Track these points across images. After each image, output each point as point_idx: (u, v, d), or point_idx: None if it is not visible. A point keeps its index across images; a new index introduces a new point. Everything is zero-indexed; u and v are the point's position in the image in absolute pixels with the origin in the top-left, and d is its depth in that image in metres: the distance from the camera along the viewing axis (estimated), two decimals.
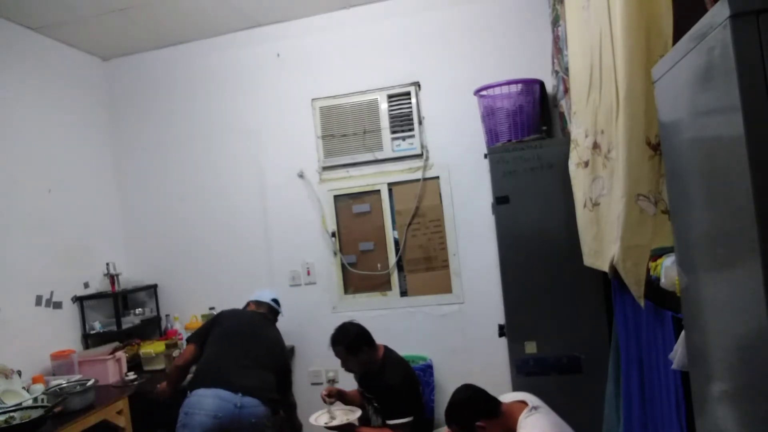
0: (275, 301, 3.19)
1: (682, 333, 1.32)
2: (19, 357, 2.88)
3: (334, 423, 2.59)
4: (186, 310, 3.85)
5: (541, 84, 3.18)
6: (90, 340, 3.46)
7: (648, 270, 1.60)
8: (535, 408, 1.95)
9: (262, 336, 2.91)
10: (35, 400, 2.59)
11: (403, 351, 2.97)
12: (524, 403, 2.00)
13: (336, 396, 2.77)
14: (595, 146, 2.06)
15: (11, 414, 2.37)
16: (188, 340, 2.94)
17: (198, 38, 3.86)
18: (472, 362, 3.45)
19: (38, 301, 3.17)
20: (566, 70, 2.62)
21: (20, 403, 2.51)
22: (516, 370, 2.73)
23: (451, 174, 3.52)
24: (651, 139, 1.57)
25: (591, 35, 2.02)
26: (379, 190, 3.65)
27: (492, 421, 1.95)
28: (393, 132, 3.58)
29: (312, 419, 2.67)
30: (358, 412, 2.68)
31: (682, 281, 1.23)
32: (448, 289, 3.54)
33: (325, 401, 2.71)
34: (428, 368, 3.36)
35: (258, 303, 3.16)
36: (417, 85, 3.56)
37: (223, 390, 2.49)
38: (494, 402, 2.01)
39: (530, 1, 3.33)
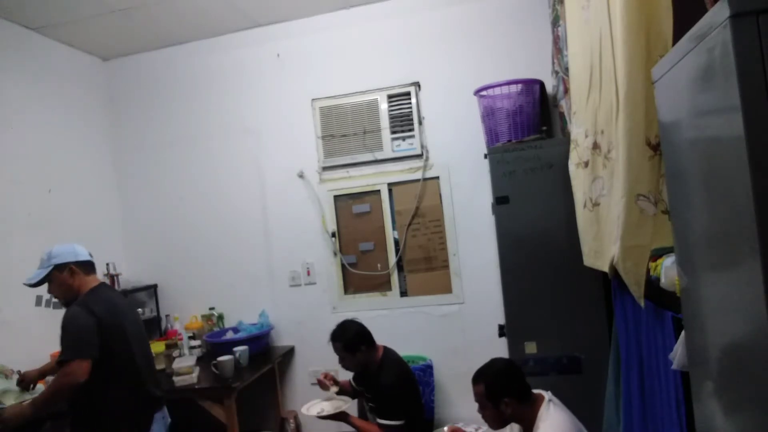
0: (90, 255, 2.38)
1: (682, 333, 1.32)
2: (19, 357, 2.88)
3: (326, 413, 2.60)
4: (186, 310, 3.85)
5: (541, 84, 3.19)
6: None
7: (648, 270, 1.60)
8: (551, 401, 1.98)
9: (140, 323, 2.44)
10: None
11: (403, 351, 2.96)
12: (542, 395, 2.02)
13: (333, 382, 2.80)
14: (595, 146, 2.06)
15: None
16: (80, 356, 2.06)
17: (198, 38, 3.86)
18: (472, 362, 3.39)
19: (38, 301, 3.17)
20: (566, 70, 2.62)
21: (20, 403, 2.51)
22: None
23: (451, 174, 3.52)
24: (651, 139, 1.57)
25: (591, 35, 2.02)
26: (379, 190, 3.65)
27: (517, 403, 1.96)
28: (393, 132, 3.59)
29: (304, 409, 2.70)
30: (350, 402, 2.70)
31: (682, 281, 1.23)
32: (448, 289, 3.54)
33: (324, 385, 2.75)
34: (428, 368, 3.36)
35: (91, 265, 2.34)
36: (417, 85, 3.56)
37: (160, 413, 2.33)
38: (528, 388, 2.02)
39: (530, 1, 3.34)
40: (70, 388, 2.06)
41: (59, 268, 2.21)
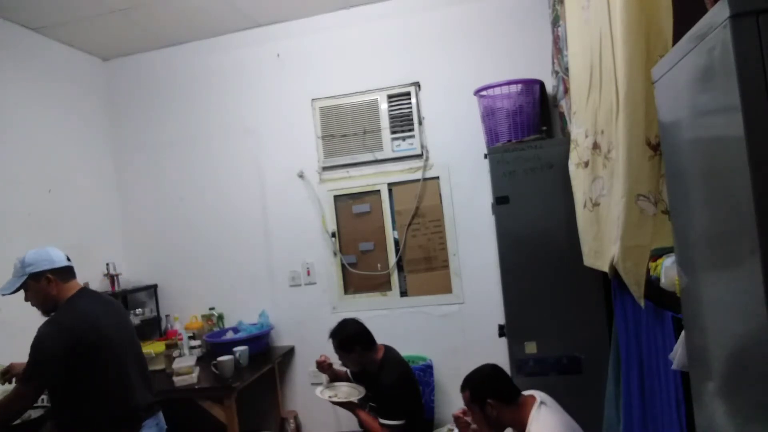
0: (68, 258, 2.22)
1: (682, 333, 1.32)
2: (18, 357, 2.87)
3: (337, 399, 2.68)
4: (186, 310, 3.85)
5: (541, 84, 3.19)
6: None
7: (648, 270, 1.60)
8: (543, 403, 1.96)
9: (130, 327, 2.32)
10: None
11: (403, 351, 2.97)
12: (534, 397, 2.02)
13: (329, 369, 2.87)
14: (595, 146, 2.06)
15: None
16: (29, 384, 1.96)
17: (198, 38, 3.86)
18: (472, 362, 3.40)
19: None
20: (566, 71, 2.62)
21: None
22: (516, 370, 2.73)
23: (451, 174, 3.52)
24: (651, 139, 1.57)
25: (591, 35, 2.02)
26: (379, 190, 3.65)
27: (503, 405, 1.97)
28: (393, 132, 3.59)
29: (317, 392, 2.78)
30: (363, 392, 2.74)
31: (682, 281, 1.23)
32: (448, 289, 3.54)
33: (322, 368, 2.84)
34: (428, 368, 3.36)
35: (69, 271, 2.17)
36: (417, 85, 3.56)
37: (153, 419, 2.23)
38: (514, 391, 2.03)
39: (530, 1, 3.34)
40: (14, 412, 2.02)
41: (35, 277, 2.07)
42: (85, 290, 2.19)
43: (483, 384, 2.02)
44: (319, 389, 2.78)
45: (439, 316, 3.54)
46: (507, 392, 2.00)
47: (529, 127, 3.03)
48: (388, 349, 2.78)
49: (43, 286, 2.07)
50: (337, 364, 2.89)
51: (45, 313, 2.15)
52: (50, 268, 2.08)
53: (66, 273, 2.13)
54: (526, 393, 2.05)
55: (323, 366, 2.87)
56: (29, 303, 2.17)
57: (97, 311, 2.13)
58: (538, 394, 2.02)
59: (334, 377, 2.91)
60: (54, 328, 1.99)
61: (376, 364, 2.69)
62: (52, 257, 2.11)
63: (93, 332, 2.04)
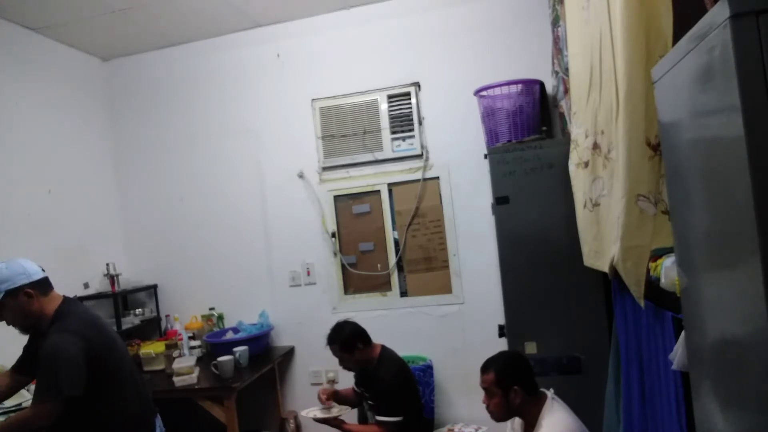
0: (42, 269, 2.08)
1: (682, 333, 1.32)
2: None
3: (321, 416, 2.67)
4: (186, 311, 3.85)
5: (541, 84, 3.19)
6: None
7: (648, 270, 1.60)
8: (553, 399, 2.00)
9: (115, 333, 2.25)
10: None
11: (403, 351, 2.97)
12: (545, 393, 2.05)
13: (332, 397, 2.81)
14: (595, 146, 2.06)
15: (11, 414, 2.36)
16: (57, 398, 1.83)
17: (198, 38, 3.86)
18: (472, 362, 3.42)
19: None
20: (566, 71, 2.62)
21: (20, 404, 2.50)
22: None
23: (451, 174, 3.52)
24: (651, 139, 1.57)
25: (591, 35, 2.02)
26: (379, 191, 3.65)
27: (525, 395, 1.99)
28: (393, 132, 3.59)
29: (304, 412, 2.76)
30: (348, 409, 2.75)
31: (682, 281, 1.23)
32: (448, 290, 3.54)
33: (321, 401, 2.77)
34: (428, 368, 3.36)
35: (47, 282, 2.04)
36: (417, 85, 3.56)
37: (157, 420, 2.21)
38: (536, 383, 2.06)
39: (530, 1, 3.34)
40: (34, 422, 1.85)
41: (12, 293, 1.91)
42: (70, 300, 2.08)
43: (513, 369, 2.03)
44: (306, 410, 2.77)
45: (439, 316, 3.54)
46: (532, 383, 2.03)
47: (529, 127, 3.03)
48: (385, 348, 2.79)
49: (22, 302, 1.93)
50: (343, 386, 2.86)
51: (24, 331, 2.04)
52: (28, 282, 1.94)
53: (44, 285, 2.00)
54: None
55: (329, 398, 2.79)
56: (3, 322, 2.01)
57: (93, 316, 2.10)
58: (548, 392, 2.06)
59: (343, 397, 2.87)
60: (70, 335, 1.88)
61: (373, 361, 2.70)
62: (28, 270, 1.96)
63: (101, 336, 2.00)
